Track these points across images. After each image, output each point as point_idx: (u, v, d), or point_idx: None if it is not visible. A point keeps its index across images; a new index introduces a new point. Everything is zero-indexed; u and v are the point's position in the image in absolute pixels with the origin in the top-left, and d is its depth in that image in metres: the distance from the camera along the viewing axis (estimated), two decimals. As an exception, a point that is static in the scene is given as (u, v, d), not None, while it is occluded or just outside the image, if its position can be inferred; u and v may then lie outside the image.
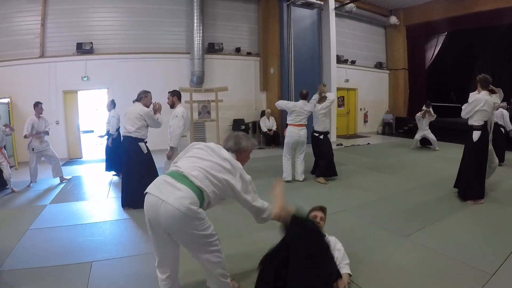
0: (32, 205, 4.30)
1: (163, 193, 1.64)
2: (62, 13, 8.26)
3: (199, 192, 1.67)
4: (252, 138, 2.05)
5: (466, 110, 3.84)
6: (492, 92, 3.82)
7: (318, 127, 5.14)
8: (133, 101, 4.28)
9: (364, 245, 2.80)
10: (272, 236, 2.93)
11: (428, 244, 2.79)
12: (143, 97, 4.04)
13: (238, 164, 1.82)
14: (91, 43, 8.12)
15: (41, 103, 5.65)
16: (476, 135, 3.79)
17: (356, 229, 3.16)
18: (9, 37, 8.20)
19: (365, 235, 3.04)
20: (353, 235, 3.02)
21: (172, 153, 4.12)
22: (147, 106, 4.06)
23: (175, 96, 4.21)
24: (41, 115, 5.64)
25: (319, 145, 5.16)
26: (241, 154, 1.93)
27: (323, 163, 5.06)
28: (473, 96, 3.81)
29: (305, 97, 5.08)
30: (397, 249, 2.75)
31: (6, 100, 7.93)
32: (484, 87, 3.77)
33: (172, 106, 4.21)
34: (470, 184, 3.84)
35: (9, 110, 7.93)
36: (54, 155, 5.68)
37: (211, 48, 8.60)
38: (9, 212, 4.07)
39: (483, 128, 3.76)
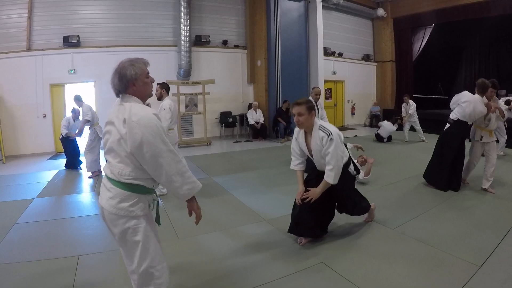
0: (19, 199, 4.31)
1: (101, 197, 1.56)
2: (48, 6, 8.38)
3: (127, 186, 1.50)
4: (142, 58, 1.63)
5: (452, 101, 4.11)
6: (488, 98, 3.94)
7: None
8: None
9: (351, 236, 2.90)
10: (258, 229, 3.18)
11: (415, 236, 2.85)
12: None
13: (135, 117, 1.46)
14: (78, 36, 8.28)
15: (78, 111, 5.95)
16: (446, 127, 4.08)
17: (344, 221, 3.20)
18: (-4, 30, 8.32)
19: (352, 226, 3.11)
20: (341, 226, 3.11)
21: None
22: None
23: (163, 88, 4.29)
24: (77, 119, 5.98)
25: None
26: (134, 86, 1.56)
27: None
28: (466, 93, 3.96)
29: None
30: (385, 240, 2.80)
31: None
32: (480, 92, 3.90)
33: (160, 98, 4.28)
34: (431, 172, 4.19)
35: None
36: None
37: (198, 41, 8.82)
38: None
39: (456, 124, 3.97)
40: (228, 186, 4.66)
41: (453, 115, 4.05)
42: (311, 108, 2.50)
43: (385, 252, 2.61)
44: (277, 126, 8.99)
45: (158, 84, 4.31)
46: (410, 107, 8.29)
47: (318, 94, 5.22)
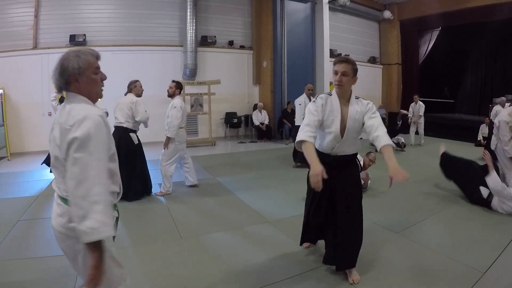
0: (23, 196, 4.37)
1: (52, 213, 1.36)
2: (55, 5, 8.50)
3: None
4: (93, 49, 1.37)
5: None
6: None
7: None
8: (125, 94, 4.34)
9: None
10: (261, 230, 3.22)
11: (419, 241, 2.86)
12: (133, 87, 4.15)
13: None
14: (84, 35, 8.38)
15: None
16: None
17: None
18: (2, 29, 8.42)
19: None
20: None
21: (168, 142, 4.25)
22: (139, 96, 4.19)
23: (178, 88, 4.36)
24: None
25: None
26: (77, 82, 1.28)
27: None
28: None
29: None
30: (389, 245, 2.81)
31: None
32: None
33: (172, 96, 4.34)
34: None
35: (1, 101, 8.20)
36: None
37: (204, 41, 8.90)
38: (0, 203, 4.13)
39: None
40: (232, 186, 4.70)
41: None
42: (356, 71, 2.14)
43: (388, 256, 2.62)
44: (282, 127, 9.04)
45: (173, 81, 4.41)
46: (420, 108, 8.32)
47: (311, 89, 5.93)
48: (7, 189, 4.80)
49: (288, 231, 3.08)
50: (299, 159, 5.63)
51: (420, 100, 8.52)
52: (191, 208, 3.88)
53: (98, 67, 1.37)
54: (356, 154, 2.34)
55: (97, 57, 1.39)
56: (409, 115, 8.57)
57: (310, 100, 5.44)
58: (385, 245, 2.81)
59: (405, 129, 8.44)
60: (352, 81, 2.14)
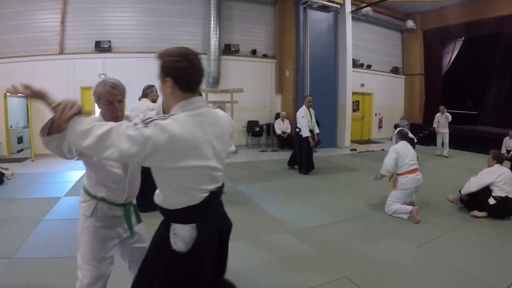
0: (46, 197, 4.52)
1: None
2: (81, 11, 8.82)
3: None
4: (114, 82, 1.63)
5: None
6: None
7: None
8: (139, 98, 4.33)
9: (375, 252, 2.95)
10: (282, 240, 3.24)
11: (439, 255, 2.86)
12: (149, 92, 4.07)
13: None
14: (109, 41, 8.65)
15: None
16: None
17: (367, 237, 3.28)
18: (30, 34, 8.77)
19: (376, 243, 3.16)
20: (365, 242, 3.17)
21: None
22: (154, 101, 4.13)
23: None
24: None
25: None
26: (98, 104, 1.63)
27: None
28: None
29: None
30: (409, 258, 2.83)
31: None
32: None
33: None
34: None
35: (27, 104, 8.52)
36: None
37: (227, 50, 9.09)
38: (24, 203, 4.31)
39: None
40: (253, 195, 4.78)
41: None
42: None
43: (409, 270, 2.63)
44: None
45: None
46: (446, 119, 8.40)
47: (310, 101, 6.24)
48: (31, 189, 4.98)
49: (308, 241, 3.14)
50: (304, 168, 6.13)
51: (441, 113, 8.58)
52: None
53: (109, 100, 1.59)
54: None
55: (110, 90, 1.58)
56: (434, 126, 8.60)
57: (310, 113, 6.09)
58: (406, 259, 2.83)
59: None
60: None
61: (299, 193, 4.92)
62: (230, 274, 2.44)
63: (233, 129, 1.42)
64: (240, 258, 2.84)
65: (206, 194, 1.27)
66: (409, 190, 3.90)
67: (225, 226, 1.48)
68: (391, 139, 12.02)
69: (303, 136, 6.03)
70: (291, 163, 6.61)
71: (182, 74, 1.22)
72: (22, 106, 9.18)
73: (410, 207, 3.76)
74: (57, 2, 8.79)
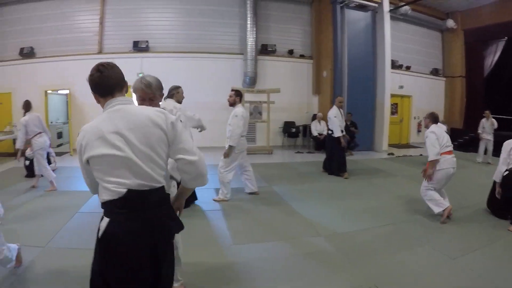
0: (82, 190, 4.57)
1: None
2: (119, 12, 9.02)
3: None
4: None
5: None
6: None
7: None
8: (164, 98, 4.26)
9: (407, 261, 2.84)
10: (313, 243, 3.19)
11: (475, 269, 2.71)
12: (175, 93, 4.02)
13: None
14: (147, 41, 8.78)
15: None
16: None
17: (400, 244, 3.18)
18: (70, 34, 9.04)
19: (409, 251, 3.05)
20: (398, 250, 3.06)
21: (229, 152, 4.34)
22: (180, 102, 4.11)
23: (238, 96, 4.49)
24: None
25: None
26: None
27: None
28: None
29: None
30: (442, 270, 2.71)
31: (66, 92, 9.06)
32: None
33: (232, 104, 4.46)
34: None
35: (67, 101, 8.84)
36: None
37: (264, 50, 9.04)
38: (62, 195, 4.56)
39: None
40: (287, 196, 4.76)
41: None
42: None
43: (441, 283, 2.51)
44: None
45: (232, 90, 4.52)
46: (492, 125, 7.99)
47: (342, 102, 6.21)
48: (69, 182, 5.28)
49: (340, 246, 3.11)
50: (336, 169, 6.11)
51: (483, 118, 8.18)
52: (246, 215, 4.01)
53: (141, 97, 1.86)
54: None
55: (146, 88, 1.85)
56: (478, 132, 8.19)
57: (341, 113, 6.04)
58: (439, 270, 2.71)
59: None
60: None
61: (333, 196, 4.87)
62: (257, 274, 2.60)
63: (169, 127, 1.39)
64: (268, 259, 2.85)
65: (125, 190, 1.29)
66: (446, 172, 3.82)
67: (159, 233, 1.37)
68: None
69: (335, 136, 6.00)
70: (327, 167, 6.50)
71: (96, 84, 1.41)
72: (62, 102, 9.49)
73: (447, 204, 3.73)
74: (95, 4, 9.04)
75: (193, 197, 4.32)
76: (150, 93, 1.86)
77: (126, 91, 1.50)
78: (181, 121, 2.10)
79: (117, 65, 1.53)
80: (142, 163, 1.32)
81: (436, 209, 3.75)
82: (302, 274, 2.60)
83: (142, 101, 1.88)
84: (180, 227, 1.48)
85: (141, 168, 1.32)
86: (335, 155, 6.16)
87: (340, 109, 6.15)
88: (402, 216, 4.00)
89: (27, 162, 5.92)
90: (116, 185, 1.30)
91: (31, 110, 5.42)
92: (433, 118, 4.04)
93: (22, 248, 2.64)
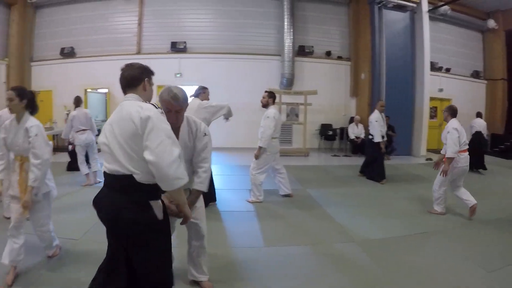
0: None
1: None
2: (157, 14, 9.20)
3: None
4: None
5: None
6: None
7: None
8: (190, 96, 4.43)
9: (440, 271, 2.73)
10: (345, 249, 3.13)
11: None
12: (201, 92, 4.18)
13: None
14: (185, 42, 8.89)
15: None
16: None
17: (436, 254, 3.06)
18: (110, 35, 9.28)
19: (445, 262, 2.91)
20: (433, 260, 2.93)
21: (260, 153, 4.37)
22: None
23: (271, 98, 4.49)
24: None
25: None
26: None
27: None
28: None
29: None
30: (479, 285, 2.57)
31: (105, 91, 9.39)
32: None
33: (265, 106, 4.49)
34: None
35: (106, 100, 9.07)
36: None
37: (302, 51, 9.00)
38: (97, 190, 4.58)
39: None
40: (322, 200, 4.71)
41: None
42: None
43: None
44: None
45: (266, 91, 4.54)
46: None
47: (383, 106, 6.10)
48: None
49: (373, 253, 3.03)
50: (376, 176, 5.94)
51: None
52: (278, 218, 4.02)
53: (167, 108, 1.94)
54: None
55: (173, 100, 1.91)
56: None
57: (382, 117, 5.94)
58: (475, 284, 2.57)
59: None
60: None
61: (368, 201, 4.77)
62: (286, 277, 2.62)
63: (139, 122, 1.52)
64: (298, 263, 2.85)
65: (105, 171, 1.63)
66: (463, 169, 3.95)
67: (122, 215, 1.55)
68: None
69: (375, 141, 5.88)
70: (364, 170, 6.40)
71: (119, 82, 1.74)
72: (101, 100, 9.76)
73: (474, 201, 3.85)
74: (134, 5, 9.25)
75: (210, 198, 4.20)
76: (177, 106, 1.92)
77: (146, 88, 1.73)
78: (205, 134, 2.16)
79: (155, 65, 1.80)
80: (118, 152, 1.55)
81: (439, 208, 4.06)
82: (331, 279, 2.59)
83: (168, 112, 1.94)
84: (148, 218, 1.57)
85: (115, 156, 1.55)
86: (375, 161, 6.04)
87: (382, 114, 6.04)
88: (437, 225, 3.86)
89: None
90: (103, 166, 1.65)
91: (81, 106, 5.67)
92: (452, 111, 4.10)
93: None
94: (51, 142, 2.98)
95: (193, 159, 2.12)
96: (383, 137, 5.95)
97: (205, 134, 2.11)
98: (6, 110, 3.78)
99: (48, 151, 2.59)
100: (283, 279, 2.56)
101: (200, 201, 2.25)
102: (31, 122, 2.55)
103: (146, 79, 1.75)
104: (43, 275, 2.50)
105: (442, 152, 4.10)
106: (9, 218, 3.63)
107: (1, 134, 2.67)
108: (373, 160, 6.10)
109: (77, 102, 5.73)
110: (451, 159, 3.84)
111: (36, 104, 2.71)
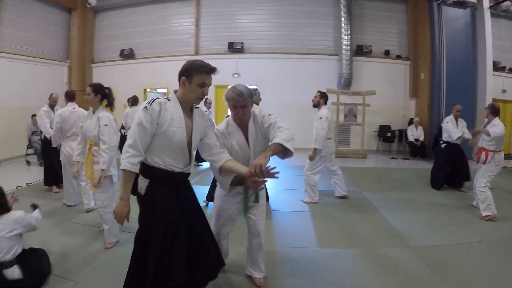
0: None
1: None
2: (214, 15, 9.41)
3: None
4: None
5: None
6: None
7: None
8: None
9: (500, 285, 2.59)
10: (399, 254, 3.08)
11: None
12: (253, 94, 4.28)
13: None
14: (242, 43, 9.06)
15: None
16: None
17: (491, 264, 2.94)
18: (168, 36, 9.62)
19: (502, 274, 2.76)
20: (488, 270, 2.82)
21: (314, 155, 4.42)
22: (257, 104, 4.23)
23: (323, 98, 4.51)
24: None
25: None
26: None
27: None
28: None
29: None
30: None
31: (164, 90, 9.81)
32: None
33: (316, 106, 4.53)
34: None
35: None
36: None
37: (359, 50, 8.93)
38: None
39: None
40: (378, 203, 4.66)
41: None
42: None
43: None
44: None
45: (319, 91, 4.58)
46: None
47: (459, 111, 5.68)
48: None
49: (429, 260, 2.95)
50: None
51: None
52: (333, 219, 4.04)
53: (233, 105, 2.08)
54: None
55: (238, 96, 2.04)
56: None
57: (457, 122, 5.63)
58: None
59: None
60: None
61: (427, 207, 4.62)
62: (337, 279, 2.65)
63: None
64: (351, 265, 2.87)
65: None
66: (499, 168, 4.09)
67: None
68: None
69: (454, 137, 5.46)
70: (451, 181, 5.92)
71: None
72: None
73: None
74: (191, 7, 9.54)
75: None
76: (242, 101, 2.02)
77: (183, 86, 1.89)
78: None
79: (213, 65, 1.90)
80: None
81: (487, 212, 3.97)
82: (381, 283, 2.57)
83: (235, 108, 2.06)
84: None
85: None
86: (457, 165, 5.59)
87: (458, 119, 5.61)
88: (496, 234, 3.68)
89: None
90: None
91: (137, 105, 6.00)
92: (494, 110, 4.20)
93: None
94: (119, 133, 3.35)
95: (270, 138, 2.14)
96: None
97: (270, 115, 2.17)
98: (66, 108, 4.41)
99: (116, 139, 3.07)
100: (332, 280, 2.59)
101: (262, 199, 2.37)
102: (103, 113, 3.06)
103: (183, 77, 1.86)
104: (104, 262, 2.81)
105: (480, 144, 4.25)
106: (70, 206, 4.06)
107: (79, 123, 3.37)
108: (459, 165, 5.58)
109: (134, 101, 6.07)
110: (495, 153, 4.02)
111: (112, 98, 3.18)
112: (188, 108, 1.95)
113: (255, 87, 9.22)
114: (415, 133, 8.68)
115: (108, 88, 3.17)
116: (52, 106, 5.34)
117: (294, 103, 8.68)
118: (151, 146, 1.84)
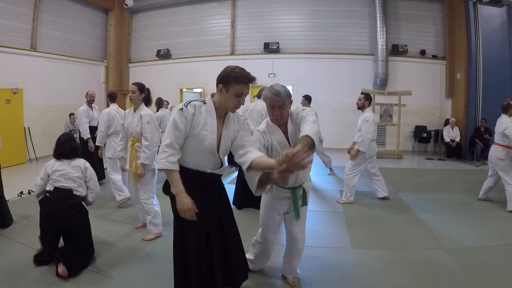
0: None
1: None
2: (250, 15, 9.65)
3: None
4: None
5: None
6: None
7: None
8: (254, 96, 4.68)
9: None
10: (433, 256, 3.03)
11: None
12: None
13: None
14: (278, 43, 9.27)
15: None
16: None
17: None
18: (204, 37, 9.91)
19: None
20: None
21: (357, 155, 4.48)
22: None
23: (367, 100, 4.56)
24: None
25: None
26: None
27: None
28: None
29: None
30: None
31: (199, 90, 10.15)
32: None
33: (361, 108, 4.56)
34: None
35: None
36: None
37: (395, 50, 9.03)
38: None
39: None
40: (413, 205, 4.66)
41: None
42: None
43: None
44: (474, 147, 8.51)
45: (362, 93, 4.63)
46: None
47: None
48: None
49: (463, 262, 2.92)
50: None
51: None
52: (368, 220, 4.07)
53: (271, 104, 2.07)
54: None
55: (275, 96, 2.03)
56: None
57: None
58: None
59: None
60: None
61: (463, 210, 4.53)
62: (369, 280, 2.66)
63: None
64: (384, 266, 2.86)
65: None
66: None
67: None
68: None
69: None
70: None
71: None
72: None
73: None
74: (226, 8, 9.80)
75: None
76: (279, 101, 2.02)
77: (220, 93, 1.88)
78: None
79: (249, 66, 1.99)
80: None
81: None
82: (417, 286, 2.56)
83: (272, 108, 2.05)
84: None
85: None
86: None
87: None
88: None
89: None
90: None
91: (162, 108, 6.34)
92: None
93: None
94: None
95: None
96: None
97: (303, 109, 2.13)
98: (112, 108, 4.74)
99: (157, 135, 3.28)
100: (365, 281, 2.62)
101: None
102: (146, 111, 3.25)
103: (220, 84, 1.86)
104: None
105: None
106: (118, 201, 4.36)
107: (121, 121, 3.60)
108: None
109: (159, 104, 6.40)
110: None
111: (150, 98, 3.47)
112: (223, 114, 1.96)
113: (290, 87, 9.49)
114: (451, 134, 8.74)
115: (148, 89, 3.39)
116: (90, 103, 5.51)
117: (329, 103, 8.87)
118: (184, 147, 1.88)
